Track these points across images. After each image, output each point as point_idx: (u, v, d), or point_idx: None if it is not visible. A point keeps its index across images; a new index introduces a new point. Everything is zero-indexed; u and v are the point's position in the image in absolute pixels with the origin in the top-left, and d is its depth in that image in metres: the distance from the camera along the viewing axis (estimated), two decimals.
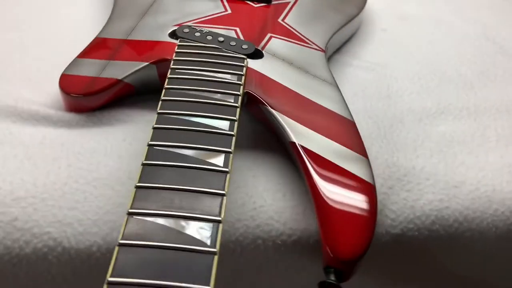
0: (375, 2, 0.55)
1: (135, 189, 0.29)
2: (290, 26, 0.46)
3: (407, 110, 0.43)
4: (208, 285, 0.24)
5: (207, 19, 0.45)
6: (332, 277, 0.29)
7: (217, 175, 0.30)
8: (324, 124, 0.37)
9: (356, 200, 0.32)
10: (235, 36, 0.43)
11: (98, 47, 0.42)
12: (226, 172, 0.30)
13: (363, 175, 0.33)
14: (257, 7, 0.48)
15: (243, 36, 0.43)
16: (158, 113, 0.34)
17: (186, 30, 0.42)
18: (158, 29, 0.43)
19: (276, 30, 0.45)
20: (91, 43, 0.42)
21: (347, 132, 0.37)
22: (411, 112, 0.43)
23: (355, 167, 0.34)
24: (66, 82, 0.39)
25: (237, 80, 0.37)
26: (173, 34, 0.43)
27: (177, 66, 0.38)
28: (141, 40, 0.42)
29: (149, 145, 0.31)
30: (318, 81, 0.40)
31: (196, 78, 0.37)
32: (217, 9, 0.46)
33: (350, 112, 0.38)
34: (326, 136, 0.35)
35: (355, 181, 0.33)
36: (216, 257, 0.25)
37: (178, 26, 0.43)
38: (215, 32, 0.42)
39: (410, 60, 0.49)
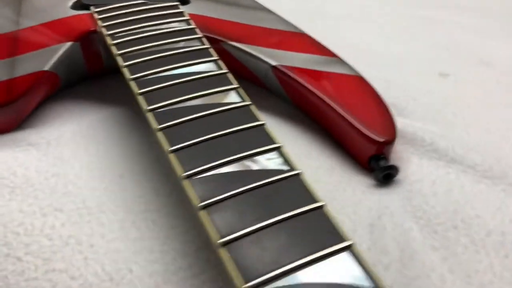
0: None
1: (171, 154, 0.25)
2: None
3: None
4: (318, 201, 0.22)
5: None
6: (383, 162, 0.30)
7: (242, 111, 0.27)
8: (285, 42, 0.36)
9: (359, 93, 0.33)
10: None
11: None
12: (249, 105, 0.28)
13: (348, 71, 0.34)
14: None
15: None
16: (132, 79, 0.29)
17: None
18: (52, 7, 0.36)
19: None
20: None
21: (307, 42, 0.37)
22: None
23: (336, 68, 0.34)
24: None
25: (188, 25, 0.34)
26: (77, 6, 0.37)
27: (114, 31, 0.33)
28: (41, 24, 0.35)
29: (149, 110, 0.27)
30: (251, 10, 0.39)
31: (144, 36, 0.32)
32: None
33: (295, 26, 0.38)
34: (296, 51, 0.35)
35: (344, 79, 0.34)
36: (303, 175, 0.23)
37: None
38: None
39: None
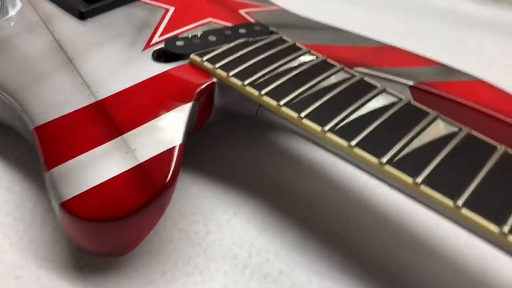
0: None
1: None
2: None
3: None
4: None
5: (164, 28, 0.33)
6: None
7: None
8: (391, 58, 0.33)
9: (497, 95, 0.31)
10: (232, 24, 0.33)
11: (72, 132, 0.27)
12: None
13: (469, 78, 0.32)
14: None
15: (221, 22, 0.34)
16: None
17: (180, 43, 0.30)
18: (125, 66, 0.30)
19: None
20: (44, 137, 0.27)
21: (407, 55, 0.34)
22: None
23: (457, 76, 0.32)
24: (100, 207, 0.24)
25: (317, 57, 0.29)
26: (160, 57, 0.30)
27: (250, 79, 0.27)
28: (127, 89, 0.28)
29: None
30: (323, 30, 0.37)
31: (287, 78, 0.27)
32: (159, 13, 0.34)
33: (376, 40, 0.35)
34: (411, 66, 0.33)
35: (476, 85, 0.32)
36: None
37: (153, 47, 0.31)
38: (216, 29, 0.32)
39: None
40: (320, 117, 0.25)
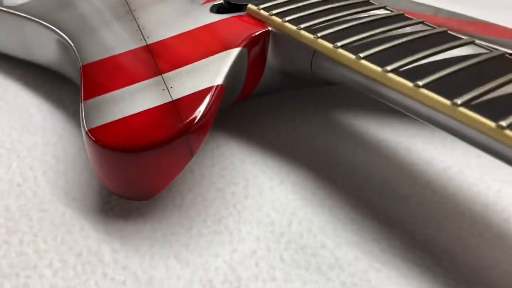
0: None
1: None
2: None
3: None
4: None
5: None
6: None
7: None
8: (474, 27, 0.28)
9: None
10: None
11: (115, 70, 0.26)
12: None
13: None
14: None
15: None
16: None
17: None
18: (182, 16, 0.28)
19: None
20: (88, 74, 0.26)
21: (487, 25, 0.28)
22: None
23: None
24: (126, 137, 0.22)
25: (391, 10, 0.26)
26: (219, 10, 0.28)
27: (307, 24, 0.24)
28: (182, 34, 0.26)
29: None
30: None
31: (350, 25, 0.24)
32: None
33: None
34: (498, 36, 0.27)
35: None
36: None
37: (213, 1, 0.30)
38: None
39: None
40: (383, 59, 0.21)
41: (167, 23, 0.29)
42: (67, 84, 0.33)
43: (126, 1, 0.32)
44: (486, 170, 0.27)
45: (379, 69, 0.21)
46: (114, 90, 0.24)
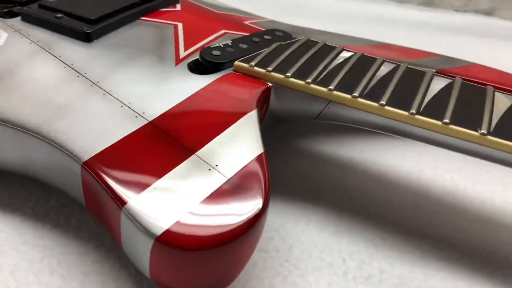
0: None
1: None
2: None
3: None
4: None
5: (184, 42, 0.31)
6: None
7: None
8: (398, 51, 0.35)
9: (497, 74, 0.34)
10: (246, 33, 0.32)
11: (133, 159, 0.23)
12: None
13: (467, 63, 0.34)
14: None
15: (235, 32, 0.33)
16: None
17: (217, 52, 0.28)
18: (166, 80, 0.27)
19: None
20: (100, 171, 0.23)
21: (404, 49, 0.36)
22: None
23: (458, 63, 0.34)
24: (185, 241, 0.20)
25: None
26: (194, 69, 0.28)
27: (302, 77, 0.26)
28: (183, 102, 0.26)
29: None
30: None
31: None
32: (169, 29, 0.32)
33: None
34: (420, 57, 0.34)
35: (477, 69, 0.34)
36: None
37: (184, 61, 0.29)
38: (243, 37, 0.31)
39: None
40: (399, 102, 0.25)
41: (153, 92, 0.26)
42: None
43: (78, 72, 0.27)
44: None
45: (405, 113, 0.25)
46: (154, 182, 0.22)
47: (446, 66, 0.34)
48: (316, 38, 0.32)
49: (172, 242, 0.20)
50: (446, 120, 0.24)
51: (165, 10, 0.35)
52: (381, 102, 0.25)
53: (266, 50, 0.29)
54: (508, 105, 0.26)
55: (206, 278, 0.22)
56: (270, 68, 0.27)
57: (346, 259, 0.26)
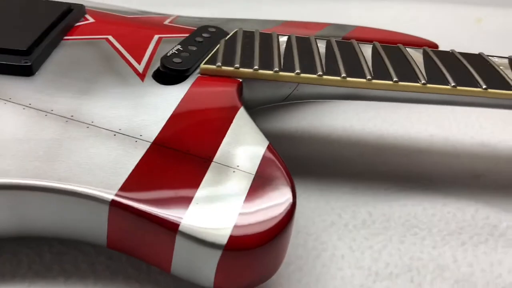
0: None
1: None
2: None
3: None
4: None
5: (131, 55, 0.30)
6: None
7: None
8: (301, 26, 0.39)
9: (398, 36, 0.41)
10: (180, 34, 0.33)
11: (161, 183, 0.24)
12: None
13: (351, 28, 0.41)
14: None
15: (169, 35, 0.34)
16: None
17: (177, 59, 0.29)
18: (143, 98, 0.28)
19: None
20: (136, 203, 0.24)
21: (300, 24, 0.41)
22: None
23: (348, 29, 0.41)
24: None
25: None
26: (159, 79, 0.28)
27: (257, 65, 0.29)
28: (172, 116, 0.26)
29: None
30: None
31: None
32: (104, 44, 0.31)
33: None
34: (317, 30, 0.39)
35: (366, 30, 0.41)
36: None
37: (147, 75, 0.29)
38: (186, 40, 0.32)
39: None
40: (355, 72, 0.29)
41: (140, 112, 0.26)
42: None
43: (43, 111, 0.25)
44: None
45: (363, 80, 0.29)
46: (192, 200, 0.22)
47: (345, 33, 0.39)
48: (237, 27, 0.34)
49: (240, 246, 0.21)
50: (395, 79, 0.29)
51: (81, 25, 0.33)
52: (343, 75, 0.29)
53: (219, 48, 0.30)
54: (421, 57, 0.32)
55: (265, 269, 0.23)
56: (237, 65, 0.29)
57: (340, 214, 0.30)
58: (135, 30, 0.33)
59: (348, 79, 0.29)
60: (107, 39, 0.32)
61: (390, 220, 0.30)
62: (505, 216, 0.31)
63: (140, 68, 0.29)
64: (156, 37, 0.33)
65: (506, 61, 0.33)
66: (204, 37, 0.32)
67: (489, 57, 0.33)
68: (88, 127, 0.25)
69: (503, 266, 0.28)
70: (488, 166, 0.36)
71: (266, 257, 0.23)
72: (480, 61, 0.32)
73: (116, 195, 0.22)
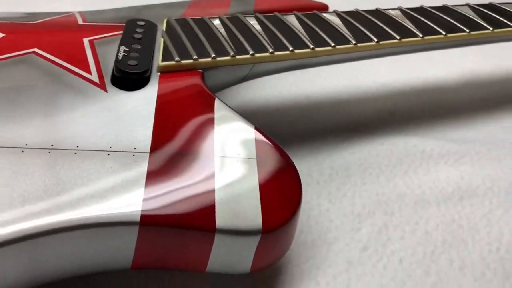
0: None
1: None
2: None
3: None
4: None
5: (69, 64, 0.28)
6: None
7: None
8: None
9: None
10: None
11: (175, 193, 0.23)
12: None
13: None
14: None
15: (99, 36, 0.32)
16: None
17: (133, 62, 0.28)
18: (121, 108, 0.26)
19: None
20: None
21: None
22: None
23: None
24: None
25: None
26: (120, 85, 0.28)
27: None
28: (155, 123, 0.26)
29: None
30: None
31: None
32: (35, 59, 0.28)
33: None
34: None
35: None
36: None
37: (105, 83, 0.28)
38: (126, 39, 0.31)
39: None
40: (297, 44, 0.31)
41: (121, 126, 0.24)
42: None
43: (22, 147, 0.21)
44: None
45: (308, 50, 0.31)
46: (214, 195, 0.22)
47: (252, 7, 0.41)
48: (148, 16, 0.34)
49: (274, 227, 0.23)
50: (333, 44, 0.32)
51: None
52: (290, 49, 0.31)
53: (167, 43, 0.30)
54: (338, 20, 0.36)
55: (289, 242, 0.25)
56: (195, 57, 0.29)
57: (310, 174, 0.34)
58: (57, 37, 0.30)
59: (296, 51, 0.31)
60: (35, 53, 0.28)
61: (349, 169, 0.35)
62: (426, 141, 0.38)
63: (94, 78, 0.27)
64: (85, 40, 0.30)
65: (398, 12, 0.39)
66: (140, 33, 0.31)
67: (386, 10, 0.38)
68: (76, 153, 0.23)
69: (442, 181, 0.35)
70: (395, 103, 0.43)
71: (290, 231, 0.24)
72: (381, 15, 0.37)
73: (143, 212, 0.21)
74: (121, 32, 0.32)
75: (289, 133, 0.38)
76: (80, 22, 0.33)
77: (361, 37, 0.33)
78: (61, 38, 0.30)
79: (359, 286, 0.27)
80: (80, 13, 0.36)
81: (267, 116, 0.40)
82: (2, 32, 0.30)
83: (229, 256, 0.23)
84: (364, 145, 0.37)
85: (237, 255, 0.23)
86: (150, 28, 0.32)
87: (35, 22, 0.33)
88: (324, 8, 0.45)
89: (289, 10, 0.38)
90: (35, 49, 0.28)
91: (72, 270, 0.22)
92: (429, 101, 0.45)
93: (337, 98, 0.43)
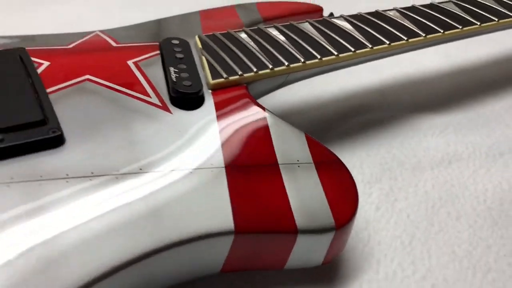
0: None
1: None
2: None
3: None
4: None
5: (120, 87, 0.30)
6: None
7: None
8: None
9: None
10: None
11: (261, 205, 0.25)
12: None
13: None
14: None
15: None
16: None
17: (187, 82, 0.30)
18: (191, 129, 0.28)
19: None
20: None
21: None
22: None
23: None
24: None
25: None
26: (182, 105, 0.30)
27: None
28: (226, 140, 0.28)
29: None
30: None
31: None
32: (88, 85, 0.29)
33: None
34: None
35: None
36: None
37: (165, 106, 0.30)
38: (171, 59, 0.32)
39: None
40: (323, 52, 0.34)
41: (191, 144, 0.27)
42: None
43: (113, 173, 0.23)
44: None
45: (333, 56, 0.34)
46: (288, 197, 0.26)
47: (257, 16, 0.43)
48: (176, 33, 0.36)
49: (345, 221, 0.26)
50: (353, 49, 0.35)
51: (43, 71, 0.29)
52: (319, 57, 0.33)
53: (210, 60, 0.31)
54: (349, 25, 0.39)
55: (350, 234, 0.28)
56: (240, 72, 0.31)
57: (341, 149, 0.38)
58: (101, 61, 0.31)
59: (324, 59, 0.34)
60: (89, 79, 0.29)
61: (354, 143, 0.39)
62: (416, 117, 0.43)
63: (155, 100, 0.28)
64: (130, 63, 0.31)
65: (396, 13, 0.42)
66: (180, 52, 0.33)
67: (386, 12, 0.42)
68: (166, 175, 0.25)
69: (432, 149, 0.40)
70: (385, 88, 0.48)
71: (353, 225, 0.28)
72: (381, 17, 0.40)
73: (235, 223, 0.24)
74: (158, 52, 0.33)
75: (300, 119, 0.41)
76: (113, 44, 0.34)
77: (374, 41, 0.37)
78: (105, 63, 0.31)
79: (377, 239, 0.32)
80: (103, 32, 0.37)
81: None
82: (46, 60, 0.30)
83: (307, 253, 0.26)
84: (364, 124, 0.42)
85: (313, 251, 0.26)
86: (186, 46, 0.33)
87: (69, 46, 0.33)
88: (319, 10, 0.48)
89: (290, 15, 0.41)
90: (88, 76, 0.29)
91: (171, 280, 0.24)
92: (415, 87, 0.50)
93: (308, 99, 0.47)
